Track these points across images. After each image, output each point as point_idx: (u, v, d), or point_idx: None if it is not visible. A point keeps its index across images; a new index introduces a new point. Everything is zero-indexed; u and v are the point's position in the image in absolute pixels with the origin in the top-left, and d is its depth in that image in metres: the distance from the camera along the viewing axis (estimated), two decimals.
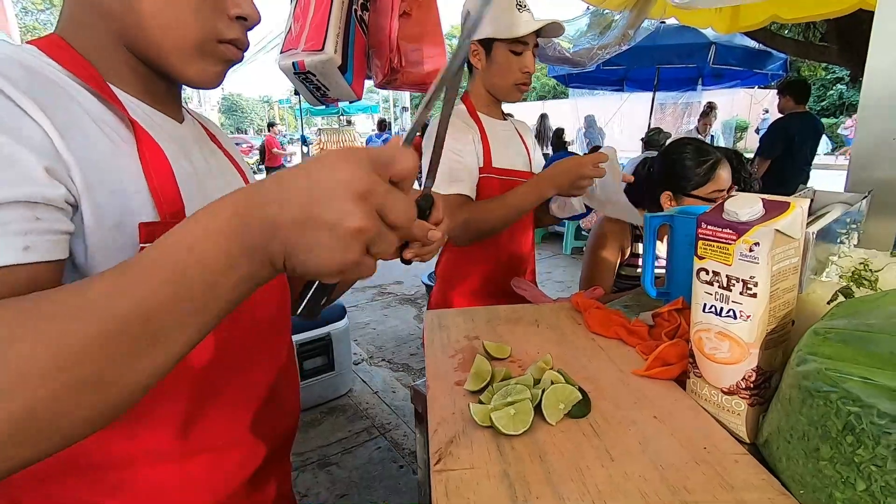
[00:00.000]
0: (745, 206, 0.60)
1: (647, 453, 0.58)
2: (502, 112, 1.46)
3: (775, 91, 4.45)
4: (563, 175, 1.15)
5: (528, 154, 1.48)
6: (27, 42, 0.50)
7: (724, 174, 1.34)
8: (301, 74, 1.65)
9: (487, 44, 1.28)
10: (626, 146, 10.62)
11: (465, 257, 1.41)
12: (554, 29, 1.27)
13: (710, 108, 6.13)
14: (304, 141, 7.47)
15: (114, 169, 0.47)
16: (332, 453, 2.30)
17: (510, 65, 1.26)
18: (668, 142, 1.67)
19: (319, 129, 14.09)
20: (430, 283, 4.33)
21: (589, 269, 1.49)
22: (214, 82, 0.55)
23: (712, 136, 6.17)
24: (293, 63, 1.64)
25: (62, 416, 0.30)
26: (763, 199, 0.60)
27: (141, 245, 0.47)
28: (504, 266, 1.40)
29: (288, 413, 0.67)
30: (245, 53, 0.57)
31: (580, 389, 0.67)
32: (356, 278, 0.38)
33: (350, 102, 2.56)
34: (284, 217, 0.33)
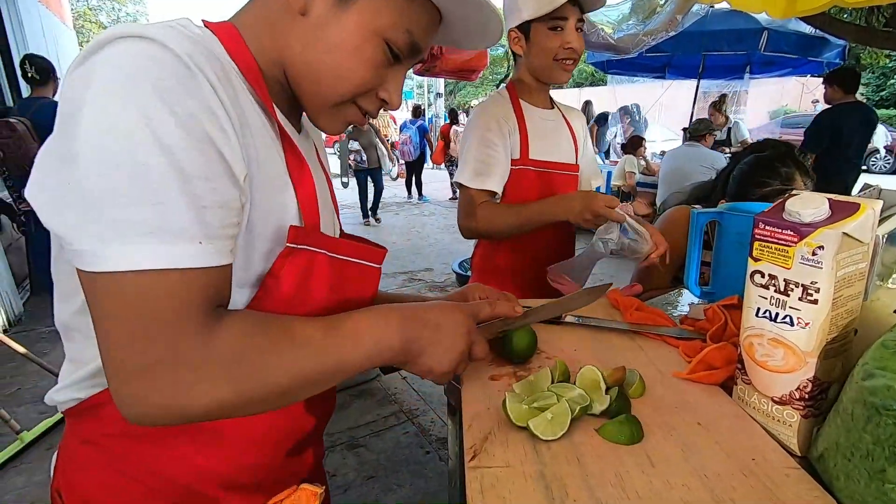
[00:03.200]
0: (808, 206, 0.56)
1: (689, 461, 0.56)
2: (550, 99, 1.40)
3: (822, 81, 4.19)
4: (576, 202, 1.14)
5: (576, 144, 1.42)
6: (204, 22, 0.52)
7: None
8: None
9: (526, 28, 1.24)
10: (663, 136, 10.27)
11: (500, 249, 1.38)
12: (592, 1, 1.21)
13: (722, 100, 5.72)
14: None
15: (268, 168, 0.51)
16: (361, 435, 2.34)
17: (549, 42, 1.21)
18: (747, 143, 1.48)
19: None
20: (460, 270, 4.34)
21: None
22: (334, 133, 0.61)
23: (728, 129, 5.78)
24: None
25: (257, 406, 0.46)
26: (830, 200, 0.56)
27: (287, 244, 0.51)
28: (541, 259, 1.37)
29: (328, 396, 0.69)
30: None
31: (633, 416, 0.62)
32: (436, 381, 0.59)
33: None
34: (424, 334, 0.55)
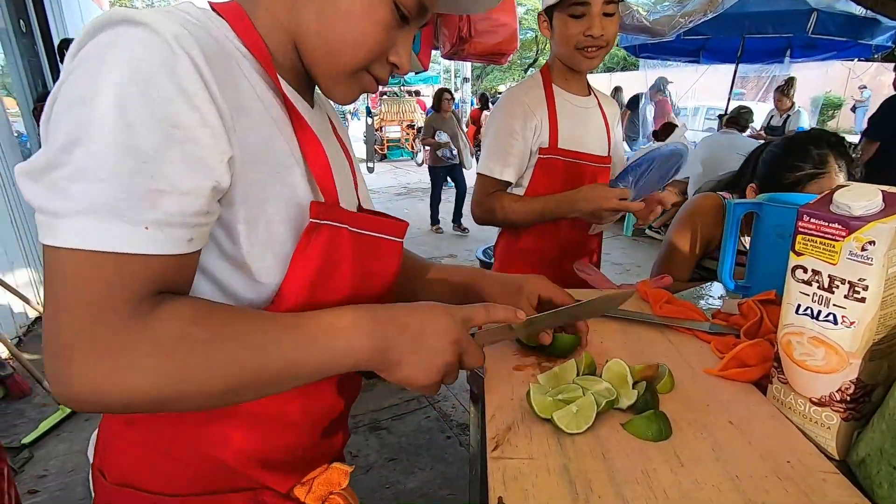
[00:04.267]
0: (859, 198, 0.52)
1: (720, 461, 0.54)
2: (587, 86, 1.35)
3: (878, 64, 3.93)
4: (587, 202, 1.15)
5: (609, 133, 1.37)
6: (210, 4, 0.52)
7: (828, 187, 1.05)
8: None
9: (550, 12, 1.21)
10: (697, 125, 9.90)
11: (523, 239, 1.36)
12: None
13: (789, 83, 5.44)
14: (368, 112, 7.64)
15: (272, 150, 0.49)
16: (383, 418, 2.38)
17: (569, 29, 1.18)
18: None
19: (381, 99, 14.18)
20: (483, 258, 4.32)
21: (668, 250, 1.33)
22: (348, 102, 0.59)
23: (787, 116, 5.49)
24: None
25: (192, 402, 0.43)
26: (884, 192, 0.53)
27: (311, 219, 0.50)
28: (565, 249, 1.35)
29: (354, 376, 0.69)
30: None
31: (661, 412, 0.60)
32: (420, 392, 0.54)
33: (416, 73, 2.53)
34: (402, 340, 0.50)
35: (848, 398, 0.55)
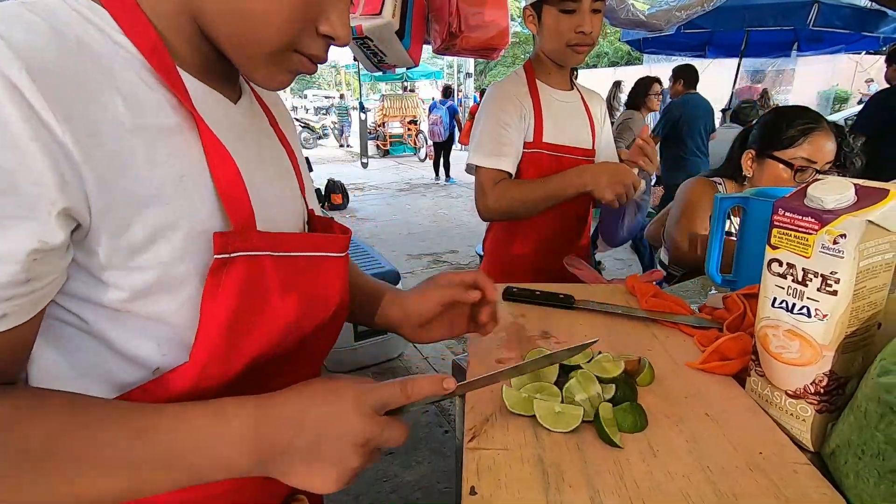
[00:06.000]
0: (832, 191, 0.53)
1: (693, 453, 0.54)
2: (570, 81, 1.36)
3: (885, 58, 3.91)
4: (605, 175, 1.11)
5: (593, 129, 1.37)
6: None
7: (823, 144, 1.19)
8: (359, 40, 1.64)
9: (538, 7, 1.20)
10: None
11: (512, 233, 1.35)
12: None
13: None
14: (361, 107, 7.68)
15: (155, 173, 0.41)
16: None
17: (559, 25, 1.17)
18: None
19: (383, 95, 14.17)
20: (483, 254, 4.32)
21: (679, 234, 1.35)
22: (278, 88, 0.49)
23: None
24: (351, 28, 1.64)
25: None
26: (856, 185, 0.53)
27: (215, 256, 0.42)
28: (553, 242, 1.34)
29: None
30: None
31: (638, 405, 0.60)
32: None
33: (407, 68, 2.53)
34: (295, 446, 0.41)
35: (822, 390, 0.55)
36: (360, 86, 9.52)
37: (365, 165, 6.91)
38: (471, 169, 1.28)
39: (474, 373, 0.70)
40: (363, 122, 6.56)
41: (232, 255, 0.43)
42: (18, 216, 0.33)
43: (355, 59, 2.04)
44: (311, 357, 0.59)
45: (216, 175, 0.44)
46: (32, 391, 0.39)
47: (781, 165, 1.21)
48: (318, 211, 0.65)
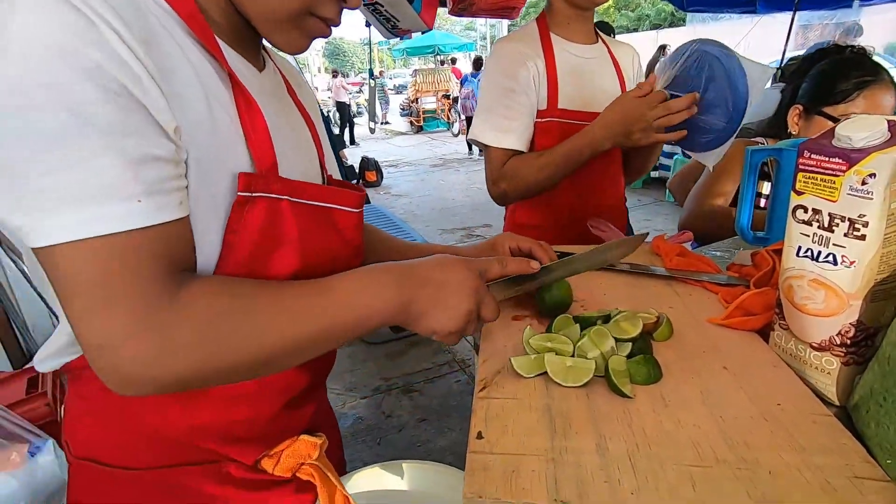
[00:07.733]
0: (862, 129, 0.49)
1: (707, 404, 0.53)
2: (594, 31, 1.15)
3: None
4: (619, 124, 0.94)
5: (623, 88, 1.18)
6: None
7: (881, 99, 1.07)
8: (371, 6, 1.62)
9: None
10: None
11: (535, 208, 1.22)
12: None
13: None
14: (370, 74, 8.44)
15: (208, 121, 0.46)
16: (416, 381, 2.46)
17: None
18: None
19: (416, 70, 14.03)
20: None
21: (697, 201, 1.25)
22: (298, 51, 0.54)
23: None
24: None
25: (240, 374, 0.45)
26: (889, 122, 0.49)
27: (238, 193, 0.47)
28: (577, 207, 1.21)
29: (327, 356, 0.67)
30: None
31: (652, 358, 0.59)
32: (444, 341, 0.56)
33: (422, 33, 2.49)
34: (425, 294, 0.52)
35: (848, 342, 0.53)
36: (370, 51, 9.44)
37: (372, 131, 7.09)
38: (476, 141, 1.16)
39: (490, 329, 0.71)
40: (373, 89, 6.84)
41: (254, 194, 0.48)
42: (153, 126, 0.40)
43: (367, 24, 2.02)
44: None
45: (246, 128, 0.49)
46: (223, 276, 0.47)
47: (831, 123, 1.11)
48: (336, 176, 0.68)
